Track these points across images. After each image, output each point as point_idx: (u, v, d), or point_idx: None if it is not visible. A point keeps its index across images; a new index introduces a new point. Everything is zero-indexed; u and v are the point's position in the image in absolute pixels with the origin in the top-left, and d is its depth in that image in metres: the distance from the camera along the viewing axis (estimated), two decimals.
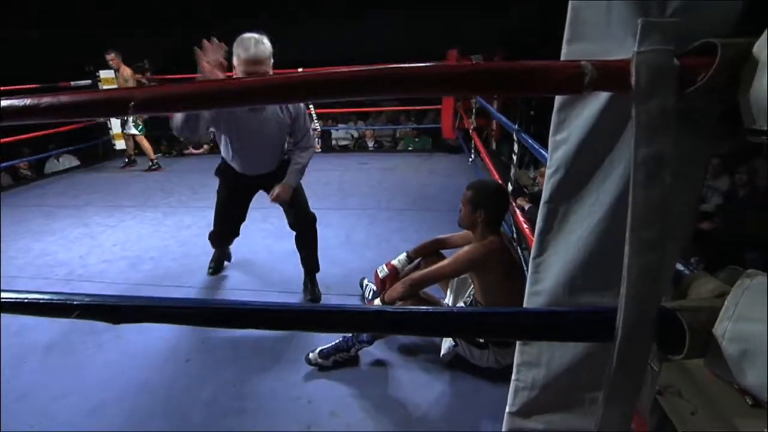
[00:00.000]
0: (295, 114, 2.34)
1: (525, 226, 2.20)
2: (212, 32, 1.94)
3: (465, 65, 0.49)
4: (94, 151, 7.03)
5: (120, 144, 6.23)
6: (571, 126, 0.61)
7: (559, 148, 0.63)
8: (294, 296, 2.65)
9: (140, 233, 3.77)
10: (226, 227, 2.66)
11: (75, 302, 0.66)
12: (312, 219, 2.57)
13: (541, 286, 0.71)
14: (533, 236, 1.93)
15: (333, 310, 0.61)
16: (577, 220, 0.64)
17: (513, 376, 0.81)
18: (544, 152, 1.76)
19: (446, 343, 1.94)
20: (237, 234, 2.73)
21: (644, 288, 0.54)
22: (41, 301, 0.68)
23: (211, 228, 2.70)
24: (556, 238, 0.67)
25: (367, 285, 2.61)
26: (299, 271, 2.71)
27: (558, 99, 0.62)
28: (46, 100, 0.62)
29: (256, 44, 1.97)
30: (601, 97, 0.58)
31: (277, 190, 2.34)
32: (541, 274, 0.70)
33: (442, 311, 0.58)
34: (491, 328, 0.56)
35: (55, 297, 0.68)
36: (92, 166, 6.53)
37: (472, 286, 2.08)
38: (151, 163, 6.09)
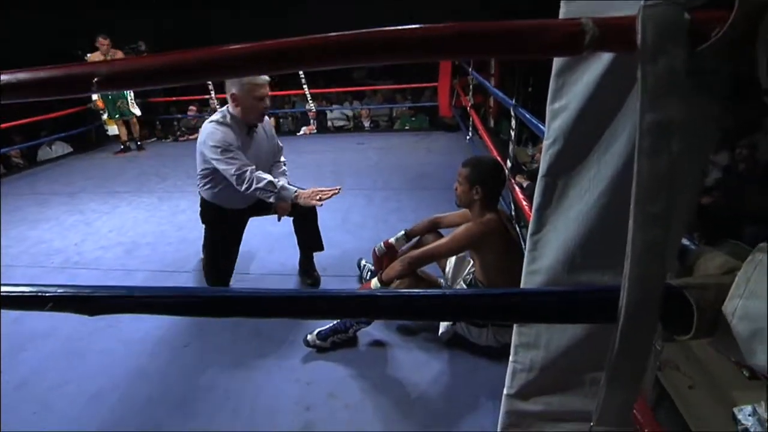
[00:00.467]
0: (271, 132, 2.42)
1: (524, 203, 2.16)
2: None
3: (452, 25, 0.44)
4: (87, 137, 6.93)
5: (113, 129, 6.14)
6: (570, 92, 0.57)
7: (558, 116, 0.59)
8: (290, 279, 2.63)
9: (136, 219, 3.73)
10: (228, 269, 2.51)
11: (48, 294, 0.63)
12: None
13: (539, 264, 0.67)
14: (528, 209, 1.89)
15: (323, 296, 0.58)
16: (576, 194, 0.60)
17: (511, 358, 0.78)
18: (542, 127, 1.71)
19: (445, 322, 1.92)
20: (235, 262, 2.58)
21: (649, 265, 0.50)
22: (13, 294, 0.65)
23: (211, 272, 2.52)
24: (554, 214, 0.63)
25: (365, 266, 2.58)
26: (295, 253, 2.69)
27: (556, 63, 0.57)
28: (2, 78, 0.57)
29: None
30: (603, 59, 0.53)
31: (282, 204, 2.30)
32: (539, 251, 0.67)
33: (436, 294, 0.55)
34: (486, 311, 0.53)
35: (27, 289, 0.64)
36: (86, 153, 6.45)
37: (471, 264, 2.05)
38: (123, 146, 6.07)
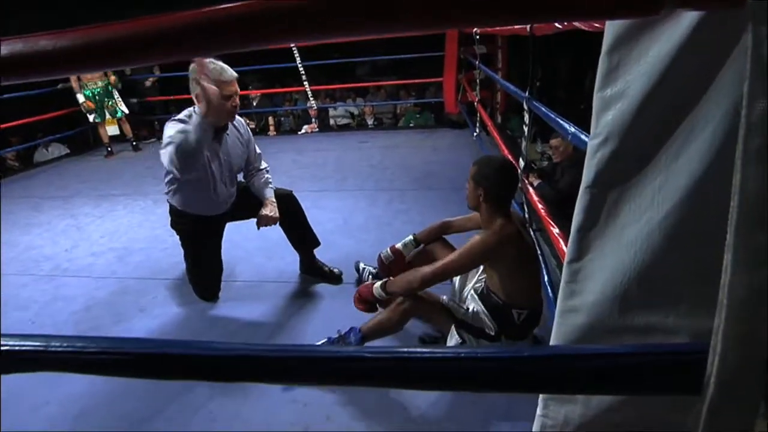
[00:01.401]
0: (247, 135, 2.28)
1: (540, 206, 2.00)
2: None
3: None
4: (85, 139, 6.83)
5: (113, 129, 6.02)
6: (630, 73, 0.41)
7: (610, 106, 0.43)
8: (288, 286, 2.49)
9: (130, 223, 3.61)
10: (212, 280, 2.39)
11: None
12: (289, 194, 2.40)
13: (580, 300, 0.52)
14: (547, 216, 1.73)
15: (298, 355, 0.43)
16: (634, 211, 0.45)
17: (538, 411, 0.63)
18: (562, 121, 1.55)
19: (452, 339, 1.77)
20: (222, 273, 2.44)
21: (753, 319, 0.35)
22: None
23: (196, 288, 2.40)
24: (602, 237, 0.48)
25: (364, 269, 2.44)
26: (295, 259, 2.55)
27: (610, 34, 0.42)
28: None
29: (223, 67, 1.98)
30: (683, 24, 0.38)
31: (265, 212, 2.18)
32: (579, 284, 0.52)
33: (450, 354, 0.40)
34: (519, 379, 0.38)
35: None
36: (82, 155, 6.34)
37: (481, 271, 1.91)
38: (107, 150, 5.93)
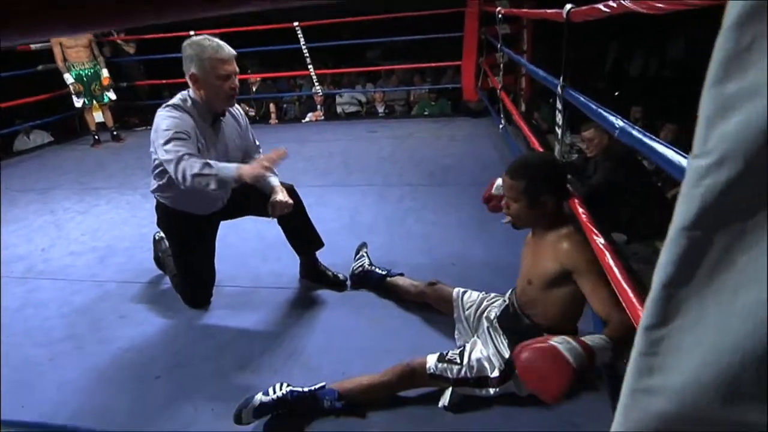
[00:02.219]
0: (245, 124, 2.25)
1: (580, 209, 1.88)
2: None
3: None
4: (70, 125, 6.81)
5: (99, 115, 5.99)
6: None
7: (734, 110, 0.33)
8: (287, 292, 2.42)
9: (114, 219, 3.56)
10: (202, 286, 2.32)
11: None
12: (290, 188, 2.32)
13: (662, 379, 0.41)
14: (589, 222, 1.60)
15: None
16: (756, 265, 0.35)
17: (623, 403, 0.53)
18: (606, 113, 1.44)
19: (447, 393, 1.61)
20: (214, 278, 2.36)
21: None
22: None
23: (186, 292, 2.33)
24: (702, 297, 0.38)
25: (362, 255, 2.42)
26: (294, 261, 2.48)
27: (737, 5, 0.32)
28: None
29: (220, 44, 1.93)
30: None
31: (278, 198, 2.08)
32: (662, 357, 0.41)
33: None
34: None
35: None
36: (67, 143, 6.32)
37: (511, 291, 1.81)
38: (94, 138, 5.91)
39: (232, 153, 2.17)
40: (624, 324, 1.29)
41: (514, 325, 1.64)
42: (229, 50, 1.95)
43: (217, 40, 1.96)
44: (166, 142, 1.88)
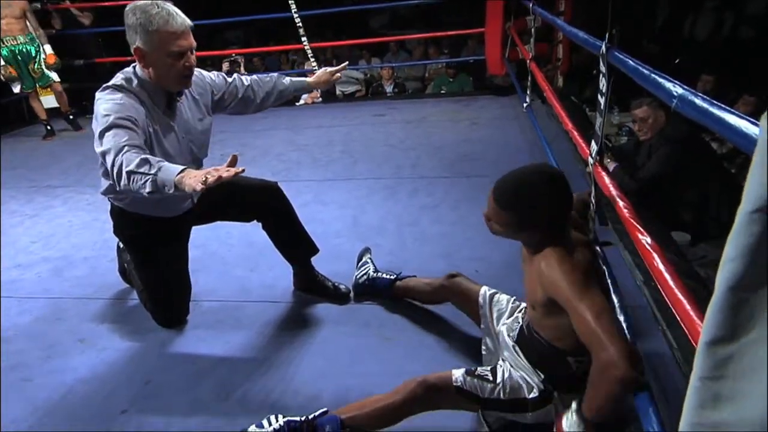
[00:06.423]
0: (204, 85, 2.20)
1: (621, 202, 1.85)
2: None
3: None
4: (17, 112, 6.86)
5: (51, 100, 6.03)
6: None
7: None
8: (278, 307, 2.42)
9: (71, 224, 3.59)
10: (174, 302, 2.33)
11: None
12: (273, 186, 2.33)
13: (733, 409, 0.39)
14: (633, 218, 1.57)
15: None
16: None
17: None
18: (661, 79, 1.39)
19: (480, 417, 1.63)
20: (189, 291, 2.38)
21: None
22: None
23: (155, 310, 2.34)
24: None
25: (365, 262, 2.43)
26: (286, 271, 2.49)
27: None
28: None
29: (171, 12, 1.86)
30: None
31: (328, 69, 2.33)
32: (731, 382, 0.39)
33: None
34: None
35: None
36: (12, 133, 6.38)
37: (520, 307, 1.84)
38: (46, 129, 5.93)
39: (196, 137, 2.15)
40: (604, 373, 1.25)
41: (532, 345, 1.63)
42: (182, 20, 1.89)
43: (168, 5, 1.88)
44: (104, 131, 1.80)
